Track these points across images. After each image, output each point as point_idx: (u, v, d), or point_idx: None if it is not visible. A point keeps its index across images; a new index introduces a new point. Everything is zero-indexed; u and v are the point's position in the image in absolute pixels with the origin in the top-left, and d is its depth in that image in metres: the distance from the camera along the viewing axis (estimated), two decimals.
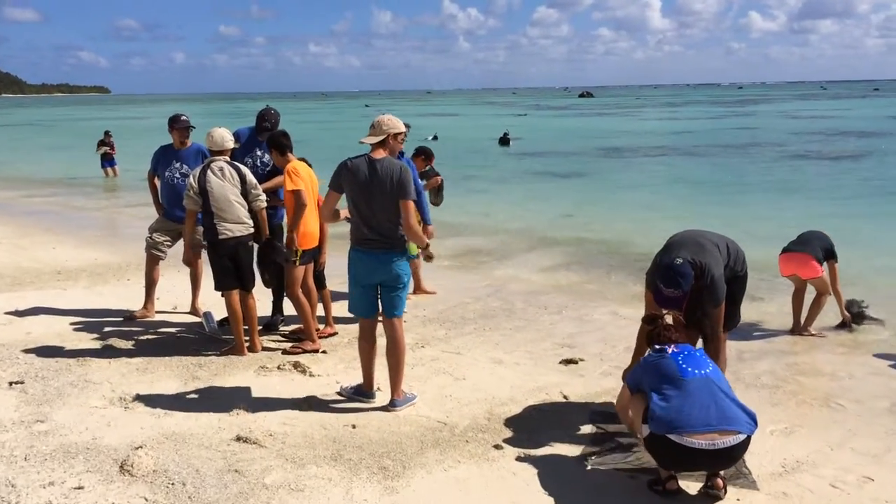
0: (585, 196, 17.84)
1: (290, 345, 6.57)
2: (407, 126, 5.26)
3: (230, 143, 6.48)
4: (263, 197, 6.33)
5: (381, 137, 5.01)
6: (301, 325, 6.99)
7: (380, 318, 5.27)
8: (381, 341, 5.32)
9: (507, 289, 9.05)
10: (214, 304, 7.74)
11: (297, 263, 6.41)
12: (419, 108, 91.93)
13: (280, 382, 5.71)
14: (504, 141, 32.91)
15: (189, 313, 7.68)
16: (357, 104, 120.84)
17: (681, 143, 32.49)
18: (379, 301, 5.19)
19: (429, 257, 5.75)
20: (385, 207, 4.93)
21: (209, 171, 6.26)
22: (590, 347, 6.74)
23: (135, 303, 7.89)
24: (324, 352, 6.47)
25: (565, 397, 5.52)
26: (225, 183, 6.22)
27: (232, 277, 6.39)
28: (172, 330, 7.10)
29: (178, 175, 7.31)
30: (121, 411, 5.05)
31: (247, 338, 6.44)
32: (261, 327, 6.73)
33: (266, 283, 6.50)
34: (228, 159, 6.39)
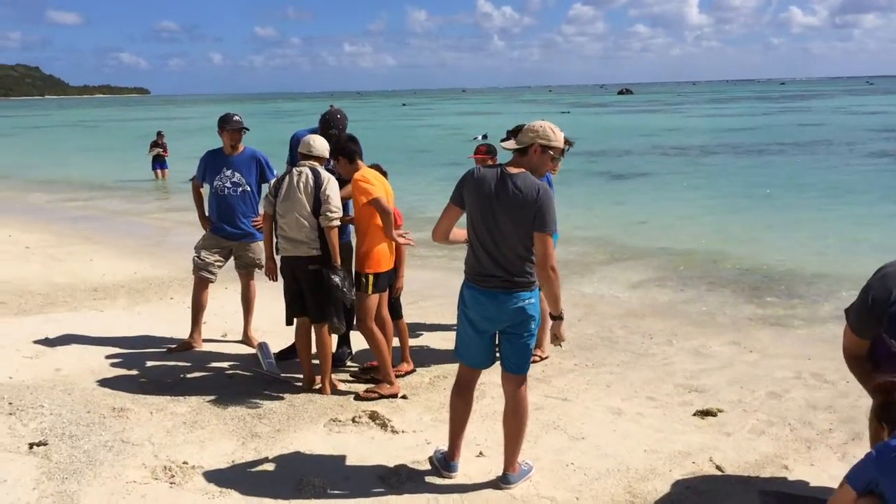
0: (654, 198, 16.56)
1: (363, 388, 5.50)
2: (569, 142, 3.85)
3: (326, 152, 5.45)
4: (336, 213, 5.24)
5: (522, 145, 3.89)
6: (374, 362, 5.94)
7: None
8: (487, 402, 4.21)
9: (599, 311, 7.89)
10: (271, 331, 6.74)
11: (371, 291, 5.33)
12: (456, 107, 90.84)
13: (358, 441, 4.64)
14: None
15: (241, 342, 6.66)
16: (393, 103, 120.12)
17: (739, 141, 30.89)
18: (496, 350, 4.10)
19: (556, 339, 4.01)
20: (513, 237, 3.82)
21: (288, 175, 5.29)
22: (723, 392, 5.55)
23: (179, 328, 6.90)
24: (403, 396, 5.39)
25: (719, 468, 4.36)
26: (297, 191, 5.18)
27: (295, 301, 5.35)
28: (223, 365, 6.07)
29: (228, 185, 6.28)
30: (166, 488, 4.00)
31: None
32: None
33: (333, 329, 5.42)
34: (317, 165, 5.34)
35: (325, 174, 5.30)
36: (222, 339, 6.81)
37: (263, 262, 6.41)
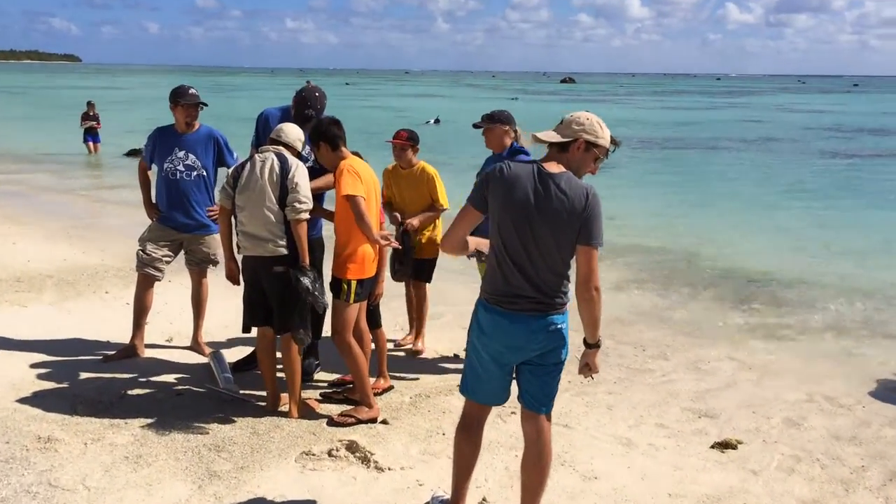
0: (619, 193, 16.08)
1: (335, 408, 4.77)
2: (615, 142, 3.18)
3: (299, 144, 4.68)
4: (305, 203, 4.49)
5: (567, 139, 3.21)
6: (347, 377, 5.22)
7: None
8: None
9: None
10: (223, 335, 5.95)
11: (352, 300, 4.60)
12: (401, 88, 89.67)
13: (337, 482, 3.92)
14: None
15: (189, 348, 5.84)
16: (336, 82, 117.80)
17: (692, 135, 30.85)
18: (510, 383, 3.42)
19: (588, 370, 3.44)
20: (553, 251, 3.16)
21: (250, 162, 4.53)
22: (736, 418, 5.02)
23: (116, 329, 6.06)
24: (384, 422, 4.68)
25: None
26: (259, 179, 4.42)
27: (257, 308, 4.59)
28: (171, 379, 5.25)
29: (181, 167, 5.44)
30: None
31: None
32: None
33: (297, 341, 4.64)
34: (284, 151, 4.57)
35: (292, 160, 4.53)
36: (168, 344, 5.98)
37: (218, 258, 5.64)
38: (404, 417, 4.79)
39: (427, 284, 6.05)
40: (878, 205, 15.04)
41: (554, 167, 3.18)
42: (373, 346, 5.05)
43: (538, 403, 3.35)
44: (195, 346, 5.82)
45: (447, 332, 6.61)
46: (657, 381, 5.70)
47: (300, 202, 4.42)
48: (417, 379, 5.44)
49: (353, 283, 4.59)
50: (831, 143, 28.21)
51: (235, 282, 4.76)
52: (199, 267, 5.70)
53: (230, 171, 4.60)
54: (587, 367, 3.40)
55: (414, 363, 5.81)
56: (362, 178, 4.54)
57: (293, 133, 4.64)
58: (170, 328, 6.28)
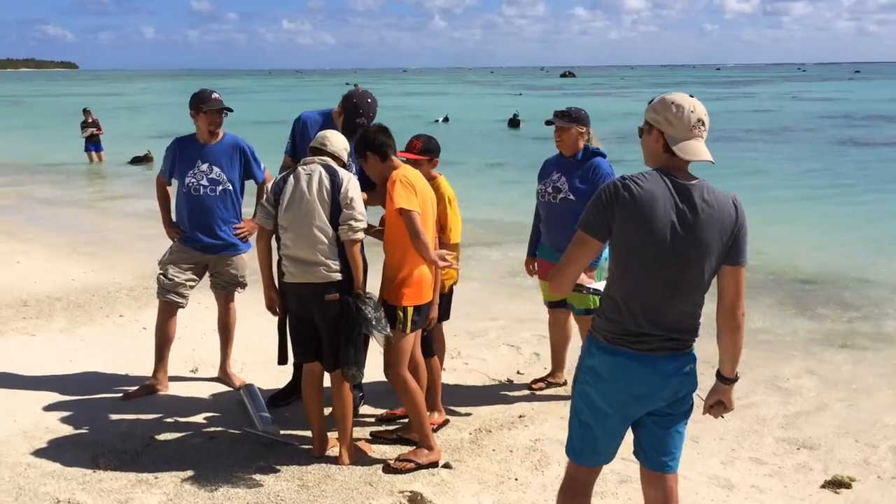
0: None
1: (391, 454, 4.21)
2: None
3: (344, 153, 4.13)
4: (362, 221, 3.95)
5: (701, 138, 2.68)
6: (398, 410, 4.67)
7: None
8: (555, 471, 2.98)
9: None
10: (253, 362, 5.40)
11: (409, 330, 4.04)
12: (401, 87, 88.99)
13: None
14: (514, 123, 30.40)
15: (217, 379, 5.29)
16: (335, 82, 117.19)
17: None
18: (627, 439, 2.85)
19: (722, 408, 2.88)
20: (699, 278, 2.62)
21: (293, 176, 3.95)
22: (838, 448, 4.45)
23: (135, 358, 5.52)
24: (446, 465, 4.12)
25: None
26: (307, 195, 3.86)
27: (306, 342, 4.03)
28: (201, 419, 4.68)
29: (204, 182, 4.87)
30: None
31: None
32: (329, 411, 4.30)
33: (349, 378, 4.03)
34: (332, 163, 4.02)
35: (343, 172, 3.98)
36: (192, 375, 5.42)
37: (247, 280, 5.08)
38: (468, 459, 4.22)
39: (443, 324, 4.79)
40: None
41: (684, 175, 2.62)
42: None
43: (666, 460, 2.79)
44: (223, 378, 5.26)
45: (494, 352, 6.05)
46: (739, 404, 5.07)
47: (356, 220, 3.86)
48: (471, 413, 4.87)
49: (410, 311, 4.03)
50: (848, 131, 27.58)
51: (275, 312, 4.19)
52: (225, 290, 5.14)
53: (270, 186, 4.03)
54: (721, 406, 2.85)
55: (465, 392, 5.24)
56: (417, 190, 3.98)
57: (339, 142, 4.08)
58: (193, 356, 5.72)
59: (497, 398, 5.15)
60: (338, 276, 3.87)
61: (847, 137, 25.26)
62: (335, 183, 3.88)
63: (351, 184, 3.92)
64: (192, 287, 5.01)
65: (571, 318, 5.23)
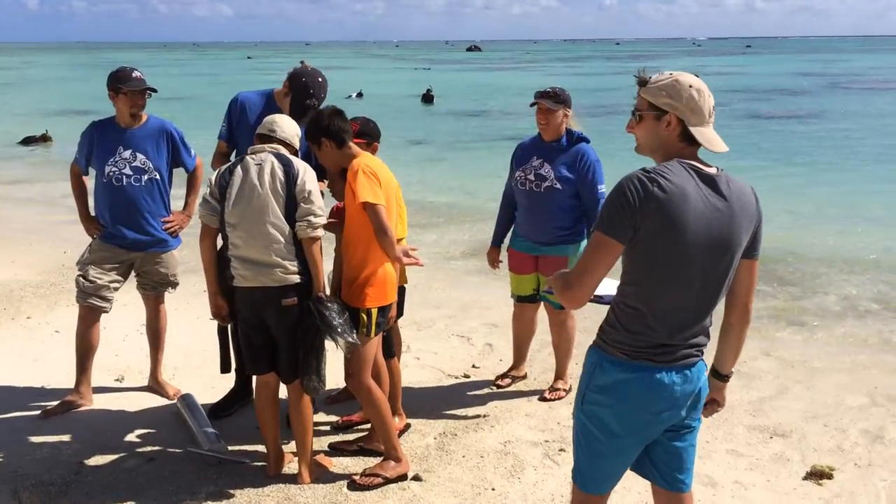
0: None
1: (353, 467, 3.85)
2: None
3: (296, 139, 3.69)
4: (321, 216, 3.54)
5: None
6: (354, 416, 4.32)
7: None
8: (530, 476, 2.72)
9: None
10: (184, 367, 4.94)
11: (373, 333, 3.68)
12: (306, 61, 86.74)
13: None
14: (427, 98, 30.00)
15: (148, 389, 4.78)
16: (236, 56, 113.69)
17: (618, 102, 30.49)
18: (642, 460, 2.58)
19: (716, 406, 2.71)
20: (726, 276, 2.39)
21: (240, 166, 3.51)
22: (811, 436, 4.36)
23: (51, 367, 4.99)
24: (416, 477, 3.79)
25: None
26: (260, 188, 3.44)
27: (261, 352, 3.61)
28: (135, 437, 4.20)
29: (127, 171, 4.34)
30: None
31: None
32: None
33: (310, 390, 3.63)
34: (283, 151, 3.58)
35: (298, 162, 3.56)
36: (118, 385, 4.89)
37: (177, 279, 4.60)
38: (438, 469, 3.91)
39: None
40: (837, 166, 14.92)
41: (702, 163, 2.37)
42: None
43: (683, 477, 2.54)
44: (155, 386, 4.76)
45: (444, 344, 5.75)
46: None
47: (315, 215, 3.46)
48: (432, 414, 4.55)
49: (374, 313, 3.67)
50: (755, 105, 28.45)
51: (225, 320, 3.75)
52: (155, 291, 4.62)
53: (214, 177, 3.55)
54: (715, 404, 2.66)
55: (422, 391, 4.91)
56: (381, 181, 3.60)
57: (290, 128, 3.66)
58: (117, 363, 5.18)
59: (456, 396, 4.85)
60: (296, 279, 3.47)
61: (755, 111, 26.02)
62: (290, 174, 3.46)
63: (307, 175, 3.51)
64: (116, 289, 4.48)
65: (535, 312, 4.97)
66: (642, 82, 2.46)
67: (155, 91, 4.40)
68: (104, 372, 4.97)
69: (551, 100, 4.55)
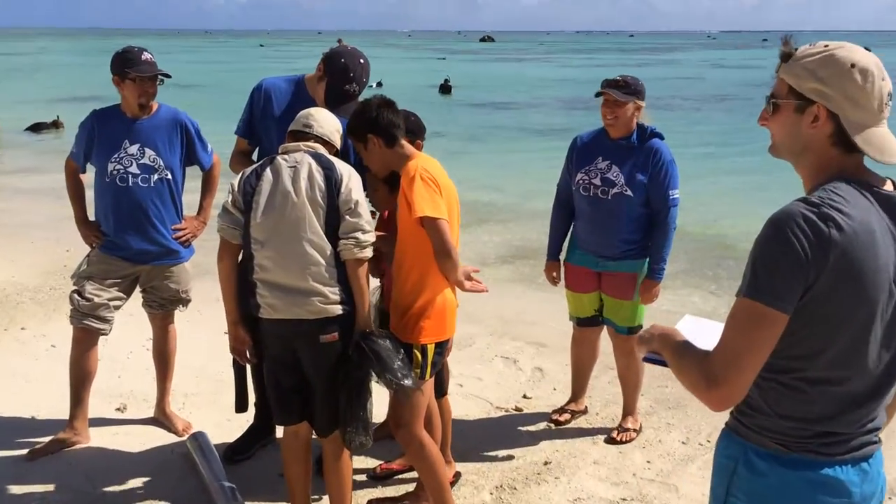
0: None
1: None
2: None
3: (337, 136, 3.01)
4: (370, 233, 2.88)
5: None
6: (395, 464, 3.66)
7: None
8: None
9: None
10: (198, 390, 4.31)
11: (428, 375, 3.02)
12: (319, 49, 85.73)
13: None
14: (445, 89, 29.29)
15: (154, 421, 4.14)
16: (248, 44, 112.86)
17: None
18: None
19: None
20: None
21: (270, 168, 2.83)
22: None
23: (44, 392, 4.37)
24: None
25: None
26: (295, 197, 2.77)
27: (291, 398, 2.94)
28: (139, 483, 3.56)
29: (134, 168, 3.68)
30: None
31: None
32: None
33: (355, 446, 2.95)
34: (322, 150, 2.92)
35: (340, 164, 2.89)
36: (119, 416, 4.25)
37: (189, 295, 3.95)
38: None
39: None
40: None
41: (873, 176, 1.71)
42: None
43: None
44: (162, 419, 4.12)
45: (489, 368, 5.08)
46: None
47: (364, 231, 2.80)
48: (485, 460, 3.89)
49: (431, 349, 3.01)
50: None
51: (245, 359, 3.08)
52: (163, 310, 3.97)
53: (237, 182, 2.88)
54: None
55: (470, 429, 4.23)
56: (442, 188, 2.93)
57: (330, 122, 2.99)
58: (119, 387, 4.54)
59: (509, 435, 4.18)
60: (338, 309, 2.80)
61: None
62: (332, 179, 2.79)
63: (353, 181, 2.84)
64: (117, 308, 3.82)
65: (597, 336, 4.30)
66: (785, 55, 1.75)
67: (168, 76, 3.73)
68: (104, 399, 4.33)
69: (620, 90, 3.85)
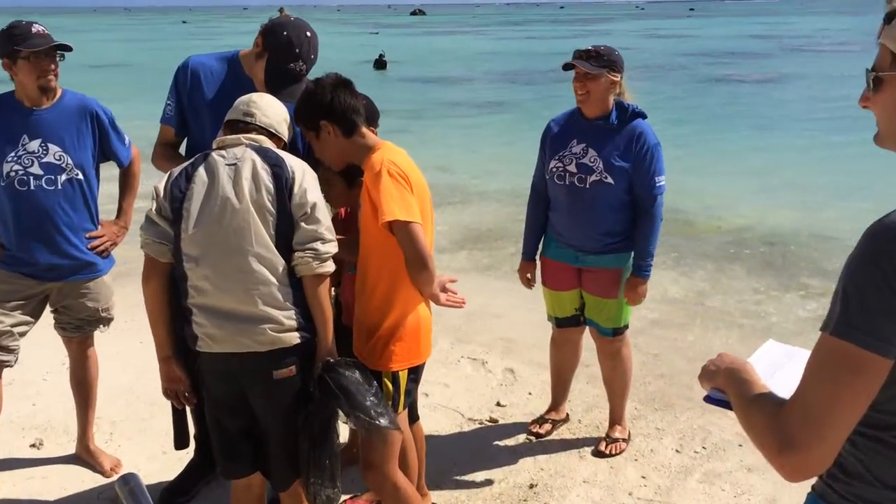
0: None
1: None
2: None
3: (285, 126, 2.47)
4: (331, 243, 2.37)
5: None
6: (362, 499, 3.19)
7: None
8: None
9: None
10: (122, 415, 3.75)
11: (402, 405, 2.55)
12: (246, 26, 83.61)
13: None
14: (380, 64, 28.44)
15: (76, 459, 3.56)
16: (170, 20, 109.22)
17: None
18: None
19: None
20: None
21: (204, 168, 2.30)
22: None
23: None
24: None
25: None
26: (237, 200, 2.26)
27: (236, 446, 2.44)
28: None
29: (36, 168, 3.07)
30: None
31: None
32: None
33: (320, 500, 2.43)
34: (268, 144, 2.39)
35: (290, 160, 2.37)
36: (35, 452, 3.65)
37: (110, 313, 3.39)
38: None
39: None
40: (793, 129, 14.13)
41: None
42: None
43: None
44: (86, 457, 3.54)
45: (455, 372, 4.64)
46: None
47: (324, 239, 2.29)
48: (462, 486, 3.45)
49: (404, 377, 2.53)
50: (717, 68, 27.63)
51: (180, 401, 2.55)
52: (80, 333, 3.38)
53: (164, 184, 2.33)
54: None
55: (442, 447, 3.78)
56: (413, 185, 2.43)
57: (276, 110, 2.47)
58: (34, 417, 3.94)
59: (487, 453, 3.74)
60: (295, 338, 2.29)
61: (722, 75, 25.19)
62: (281, 178, 2.27)
63: (307, 179, 2.33)
64: (22, 335, 3.22)
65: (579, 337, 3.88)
66: (890, 14, 1.33)
67: (69, 49, 3.10)
68: (16, 433, 3.75)
69: (592, 61, 3.39)
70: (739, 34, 52.82)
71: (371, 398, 2.30)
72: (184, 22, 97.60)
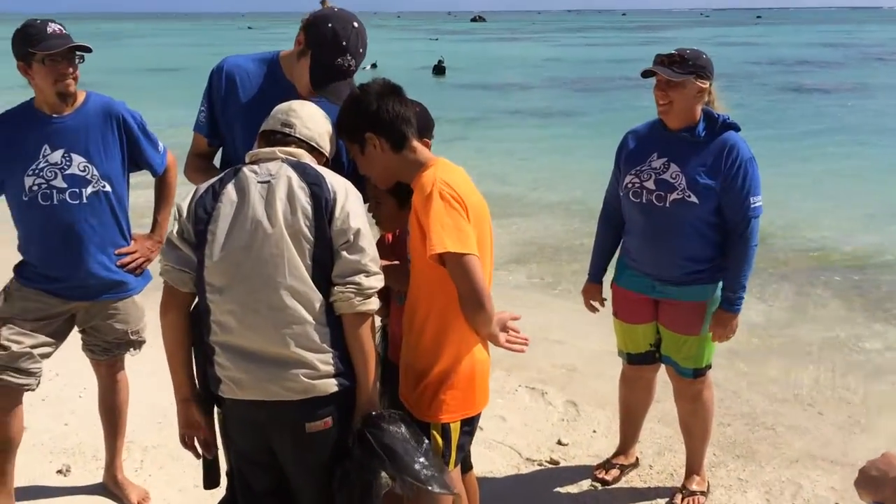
0: (610, 143, 13.87)
1: None
2: None
3: (327, 139, 2.17)
4: (377, 276, 2.03)
5: None
6: None
7: None
8: None
9: None
10: (163, 448, 3.48)
11: (453, 461, 2.19)
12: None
13: None
14: (439, 70, 28.30)
15: (102, 492, 3.31)
16: (236, 26, 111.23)
17: (635, 74, 28.94)
18: None
19: None
20: None
21: (233, 185, 1.99)
22: None
23: None
24: None
25: None
26: (268, 224, 1.94)
27: (264, 501, 2.11)
28: None
29: (59, 181, 2.82)
30: None
31: None
32: None
33: None
34: (307, 159, 2.07)
35: (332, 179, 2.04)
36: (62, 481, 3.42)
37: (142, 336, 3.12)
38: None
39: None
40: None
41: None
42: None
43: None
44: (113, 487, 3.29)
45: (513, 403, 4.27)
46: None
47: (368, 272, 1.97)
48: None
49: (456, 429, 2.18)
50: (788, 77, 26.66)
51: (198, 452, 2.25)
52: (108, 356, 3.13)
53: (188, 203, 2.04)
54: None
55: (497, 491, 3.42)
56: (469, 208, 2.08)
57: (318, 120, 2.15)
58: (64, 438, 3.71)
59: (547, 501, 3.36)
60: (332, 385, 1.97)
61: (796, 84, 24.21)
62: (321, 200, 1.96)
63: (351, 202, 2.00)
64: (45, 357, 2.96)
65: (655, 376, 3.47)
66: None
67: (88, 50, 2.83)
68: (44, 456, 3.53)
69: (675, 67, 2.97)
70: (811, 42, 51.26)
71: (420, 459, 1.96)
72: (249, 28, 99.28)
